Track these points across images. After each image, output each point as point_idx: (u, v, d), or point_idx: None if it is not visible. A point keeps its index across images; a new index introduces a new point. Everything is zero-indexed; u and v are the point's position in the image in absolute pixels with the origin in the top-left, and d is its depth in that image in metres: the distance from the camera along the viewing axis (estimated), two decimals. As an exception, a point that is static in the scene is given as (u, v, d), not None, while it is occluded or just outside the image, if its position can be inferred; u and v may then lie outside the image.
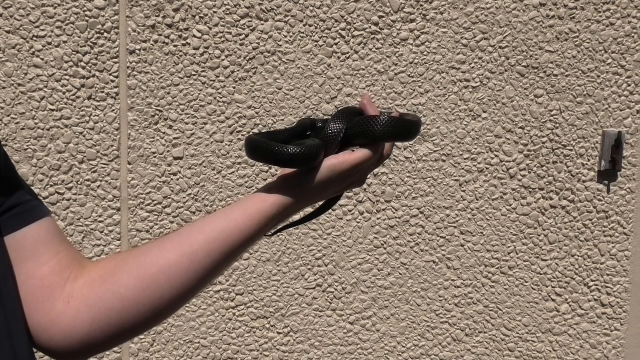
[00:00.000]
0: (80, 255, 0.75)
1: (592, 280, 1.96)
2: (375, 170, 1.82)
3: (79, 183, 1.77)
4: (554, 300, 1.95)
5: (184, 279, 0.71)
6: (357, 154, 0.74)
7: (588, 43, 1.83)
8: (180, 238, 0.72)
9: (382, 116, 0.74)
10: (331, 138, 0.74)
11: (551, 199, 1.90)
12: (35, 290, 0.69)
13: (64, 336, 0.70)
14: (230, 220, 0.72)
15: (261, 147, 0.74)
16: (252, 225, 0.73)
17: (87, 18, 1.71)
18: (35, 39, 1.70)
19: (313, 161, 0.72)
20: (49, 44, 1.71)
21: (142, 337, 1.87)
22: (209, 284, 0.75)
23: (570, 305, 1.96)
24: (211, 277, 0.74)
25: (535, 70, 1.83)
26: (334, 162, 0.74)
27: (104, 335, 0.71)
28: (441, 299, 1.93)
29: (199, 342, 1.88)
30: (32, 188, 1.74)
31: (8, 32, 1.69)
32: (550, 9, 1.81)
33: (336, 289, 1.91)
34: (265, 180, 1.83)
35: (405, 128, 0.74)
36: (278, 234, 0.80)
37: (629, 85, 1.87)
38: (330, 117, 0.76)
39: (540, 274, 1.94)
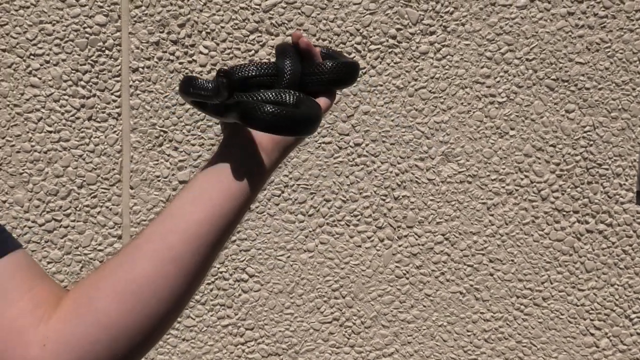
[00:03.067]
0: (60, 289, 0.67)
1: (634, 312, 1.88)
2: (396, 193, 1.80)
3: (78, 209, 1.74)
4: (592, 335, 1.88)
5: (173, 286, 0.64)
6: (324, 103, 0.71)
7: (621, 53, 1.78)
8: (153, 245, 0.65)
9: (336, 62, 0.72)
10: (292, 84, 0.70)
11: (587, 222, 1.84)
12: (3, 336, 0.62)
13: None
14: (213, 206, 0.65)
15: (249, 108, 0.65)
16: (238, 200, 0.67)
17: (87, 35, 1.68)
18: (32, 57, 1.68)
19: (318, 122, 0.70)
20: (47, 62, 1.69)
21: (144, 377, 1.78)
22: (205, 276, 0.68)
23: (610, 340, 1.89)
24: (206, 269, 0.67)
25: (566, 84, 1.78)
26: None
27: None
28: (469, 333, 1.86)
29: None
30: (27, 214, 1.72)
31: (4, 50, 1.67)
32: (579, 18, 1.76)
33: (354, 323, 1.85)
34: (278, 205, 1.79)
35: (355, 71, 0.75)
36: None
37: (667, 99, 1.81)
38: (276, 62, 0.72)
39: (577, 306, 1.87)
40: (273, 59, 0.73)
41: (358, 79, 0.77)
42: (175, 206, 0.67)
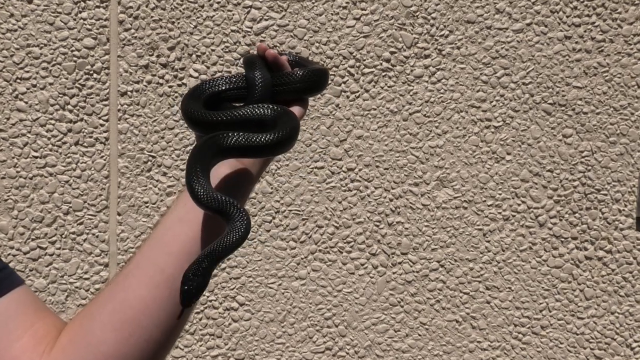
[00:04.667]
0: (60, 322, 0.70)
1: (636, 341, 1.88)
2: (390, 219, 1.81)
3: (64, 236, 1.74)
4: None
5: (168, 308, 0.66)
6: (298, 112, 0.72)
7: (619, 78, 1.79)
8: (144, 270, 0.67)
9: (306, 70, 0.72)
10: (262, 96, 0.70)
11: (586, 249, 1.84)
12: None
13: None
14: (199, 223, 0.67)
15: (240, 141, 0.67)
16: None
17: (75, 58, 1.69)
18: (18, 81, 1.69)
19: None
20: (34, 86, 1.69)
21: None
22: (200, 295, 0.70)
23: None
24: None
25: (563, 108, 1.79)
26: None
27: None
28: None
29: None
30: (12, 242, 1.69)
31: None
32: (577, 42, 1.78)
33: (348, 353, 1.85)
34: (269, 232, 1.80)
35: (325, 77, 0.75)
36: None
37: (667, 123, 1.83)
38: (246, 75, 0.71)
39: (577, 334, 1.86)
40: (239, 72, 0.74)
41: (328, 86, 0.78)
42: (162, 228, 0.68)
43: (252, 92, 0.69)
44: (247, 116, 0.68)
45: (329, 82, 0.77)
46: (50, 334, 0.68)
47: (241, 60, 0.84)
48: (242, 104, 0.70)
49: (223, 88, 0.71)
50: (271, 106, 0.68)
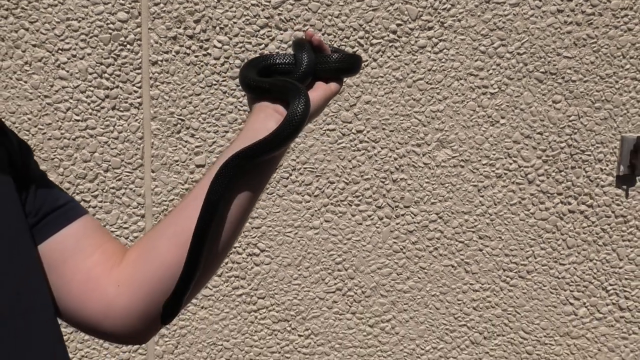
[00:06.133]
0: (123, 246, 0.78)
1: (610, 284, 1.95)
2: (394, 176, 1.84)
3: (104, 191, 1.80)
4: (572, 304, 1.95)
5: (223, 230, 0.73)
6: (334, 87, 0.79)
7: (606, 49, 1.81)
8: (200, 200, 0.72)
9: (343, 54, 0.80)
10: (308, 72, 0.78)
11: (569, 203, 1.90)
12: (83, 283, 0.72)
13: (124, 317, 0.73)
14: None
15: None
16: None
17: (110, 31, 1.73)
18: (60, 51, 1.72)
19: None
20: (74, 56, 1.73)
21: (166, 339, 1.91)
22: (248, 218, 0.77)
23: (588, 309, 1.96)
24: (250, 209, 0.75)
25: (553, 76, 1.82)
26: (320, 94, 0.78)
27: (160, 305, 0.73)
28: (459, 302, 1.93)
29: (221, 345, 1.91)
30: None
31: (34, 45, 1.72)
32: (568, 15, 1.79)
33: (356, 293, 1.91)
34: (286, 187, 1.85)
35: (358, 62, 0.83)
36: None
37: (648, 90, 1.85)
38: (294, 53, 0.80)
39: (559, 278, 1.93)
40: (290, 51, 0.83)
41: (361, 70, 0.84)
42: (219, 162, 0.74)
43: (298, 68, 0.78)
44: (281, 85, 0.78)
45: (361, 67, 0.84)
46: (116, 254, 0.75)
47: (291, 41, 0.87)
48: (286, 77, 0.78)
49: (275, 62, 0.81)
50: (298, 84, 0.77)
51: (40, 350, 0.68)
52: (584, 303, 1.96)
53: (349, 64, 0.80)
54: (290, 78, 0.78)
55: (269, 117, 0.75)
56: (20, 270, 0.68)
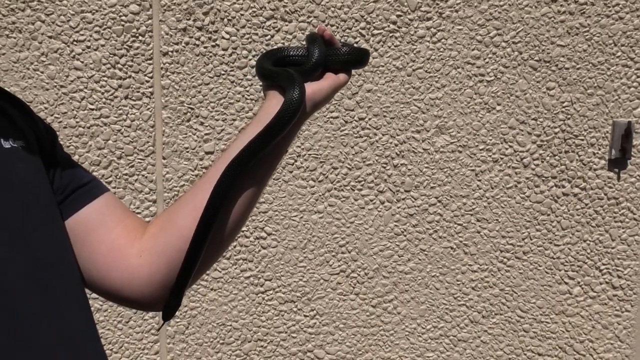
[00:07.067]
0: (144, 222, 0.82)
1: (604, 264, 1.97)
2: (395, 162, 1.86)
3: (118, 177, 1.82)
4: (566, 284, 1.97)
5: (236, 208, 0.77)
6: (342, 78, 0.83)
7: (598, 37, 1.84)
8: (212, 184, 0.77)
9: (352, 48, 0.84)
10: (318, 64, 0.83)
11: (563, 186, 1.91)
12: (107, 253, 0.77)
13: (146, 284, 0.77)
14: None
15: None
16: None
17: (122, 22, 1.76)
18: (75, 43, 1.76)
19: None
20: (88, 47, 1.76)
21: (177, 320, 1.96)
22: (260, 196, 0.80)
23: (582, 288, 1.98)
24: (262, 188, 0.80)
25: (547, 64, 1.84)
26: (330, 84, 0.82)
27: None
28: (459, 282, 1.95)
29: (230, 325, 1.94)
30: None
31: (50, 37, 1.76)
32: (561, 5, 1.82)
33: (359, 274, 1.93)
34: (291, 172, 1.87)
35: (366, 55, 0.86)
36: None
37: (638, 77, 1.88)
38: (307, 46, 0.84)
39: (553, 259, 1.95)
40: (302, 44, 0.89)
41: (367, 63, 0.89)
42: (234, 146, 0.77)
43: (310, 60, 0.83)
44: (283, 74, 0.83)
45: (368, 60, 0.87)
46: (138, 229, 0.79)
47: (305, 36, 0.90)
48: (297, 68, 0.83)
49: (290, 54, 0.85)
50: (295, 74, 0.81)
51: (67, 309, 0.71)
52: (578, 282, 1.98)
53: (358, 57, 0.85)
54: (302, 69, 0.82)
55: (280, 102, 0.80)
56: (54, 235, 0.72)
